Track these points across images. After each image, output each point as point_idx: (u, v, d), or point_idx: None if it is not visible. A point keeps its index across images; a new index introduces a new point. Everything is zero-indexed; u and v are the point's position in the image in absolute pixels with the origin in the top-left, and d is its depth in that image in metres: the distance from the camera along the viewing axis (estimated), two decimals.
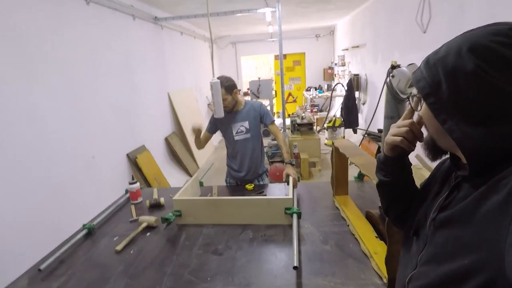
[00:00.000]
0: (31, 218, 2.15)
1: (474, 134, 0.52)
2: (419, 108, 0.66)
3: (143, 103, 4.00)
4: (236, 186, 2.26)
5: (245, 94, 7.65)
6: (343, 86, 5.85)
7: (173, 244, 1.47)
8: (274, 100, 6.04)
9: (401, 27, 3.96)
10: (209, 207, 1.61)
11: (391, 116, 1.62)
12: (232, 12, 4.36)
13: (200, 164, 5.39)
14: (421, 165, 1.98)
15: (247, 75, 9.77)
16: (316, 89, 8.40)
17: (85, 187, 2.73)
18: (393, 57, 4.24)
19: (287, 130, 5.14)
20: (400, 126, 0.71)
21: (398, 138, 0.70)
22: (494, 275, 0.45)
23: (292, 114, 6.51)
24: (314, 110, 7.88)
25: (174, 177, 4.42)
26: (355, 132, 5.62)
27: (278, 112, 7.99)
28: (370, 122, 4.09)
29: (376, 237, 1.34)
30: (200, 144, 2.25)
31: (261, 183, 2.28)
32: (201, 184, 2.06)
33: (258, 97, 5.35)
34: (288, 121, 5.36)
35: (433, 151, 0.66)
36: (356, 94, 5.91)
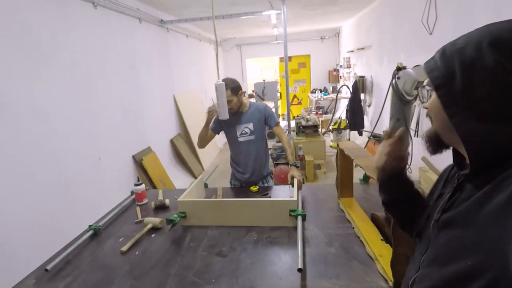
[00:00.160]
0: (38, 218, 2.17)
1: (480, 131, 0.51)
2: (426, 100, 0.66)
3: (148, 105, 4.03)
4: (240, 188, 2.26)
5: (250, 96, 7.66)
6: (348, 88, 5.82)
7: (178, 246, 1.47)
8: (279, 102, 6.04)
9: (406, 28, 3.94)
10: (214, 209, 1.61)
11: (397, 118, 1.61)
12: (237, 14, 4.38)
13: (205, 166, 5.41)
14: (428, 167, 1.96)
15: (252, 77, 9.78)
16: (321, 91, 8.38)
17: (91, 188, 2.76)
18: (399, 59, 4.22)
19: (292, 132, 5.13)
20: (382, 148, 0.71)
21: (382, 160, 0.70)
22: (498, 276, 0.44)
23: (297, 116, 6.49)
24: (319, 112, 7.86)
25: (179, 178, 4.44)
26: (360, 134, 5.59)
27: (283, 114, 7.98)
28: (376, 124, 4.05)
29: (382, 239, 1.33)
30: (204, 139, 2.20)
31: (266, 185, 2.28)
32: (206, 186, 2.07)
33: (263, 99, 5.36)
34: (293, 123, 5.35)
35: (435, 144, 0.64)
36: (362, 96, 5.87)
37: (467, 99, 0.52)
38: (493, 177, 0.50)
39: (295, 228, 1.47)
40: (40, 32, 2.30)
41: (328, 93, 8.26)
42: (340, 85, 7.20)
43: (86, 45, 2.81)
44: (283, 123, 4.34)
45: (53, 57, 2.42)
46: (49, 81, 2.36)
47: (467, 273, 0.49)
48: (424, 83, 0.69)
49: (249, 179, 2.24)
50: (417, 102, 3.17)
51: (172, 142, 4.72)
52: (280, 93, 6.68)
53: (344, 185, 1.77)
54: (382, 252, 1.24)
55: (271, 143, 4.13)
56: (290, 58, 8.62)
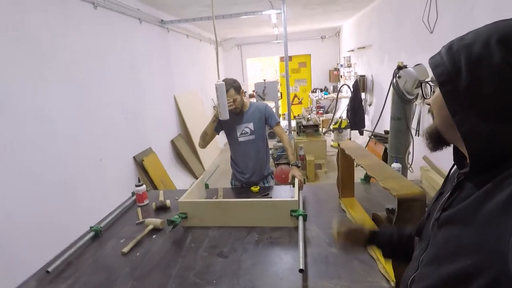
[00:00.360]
0: (39, 220, 2.18)
1: (482, 130, 0.50)
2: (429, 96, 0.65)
3: (149, 105, 4.03)
4: (241, 188, 2.26)
5: (251, 96, 7.65)
6: (349, 87, 5.81)
7: (179, 246, 1.47)
8: (280, 102, 6.03)
9: (407, 27, 3.93)
10: (215, 209, 1.61)
11: (398, 117, 1.60)
12: (238, 14, 4.38)
13: (206, 166, 5.41)
14: (429, 166, 1.95)
15: (253, 77, 9.78)
16: (321, 90, 8.37)
17: (92, 189, 2.76)
18: (400, 58, 4.20)
19: (292, 132, 5.12)
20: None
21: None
22: (498, 275, 0.44)
23: (298, 116, 6.49)
24: (320, 111, 7.85)
25: (180, 179, 4.44)
26: (361, 133, 5.58)
27: (283, 114, 7.98)
28: (377, 124, 4.06)
29: None
30: (208, 136, 2.20)
31: (267, 185, 2.28)
32: (206, 186, 2.07)
33: (263, 99, 5.35)
34: (293, 123, 5.34)
35: (435, 141, 0.63)
36: (362, 95, 5.87)
37: (471, 97, 0.51)
38: (493, 176, 0.50)
39: (296, 228, 1.47)
40: (40, 33, 2.30)
41: (329, 93, 8.25)
42: (341, 85, 7.19)
43: (86, 45, 2.81)
44: (283, 123, 4.33)
45: (54, 57, 2.42)
46: (50, 81, 2.37)
47: (467, 272, 0.48)
48: (428, 79, 0.69)
49: (249, 179, 2.24)
50: (418, 101, 3.16)
51: (172, 142, 4.72)
52: (281, 93, 6.67)
53: (345, 185, 1.76)
54: None
55: (271, 143, 4.13)
56: (290, 57, 8.60)
